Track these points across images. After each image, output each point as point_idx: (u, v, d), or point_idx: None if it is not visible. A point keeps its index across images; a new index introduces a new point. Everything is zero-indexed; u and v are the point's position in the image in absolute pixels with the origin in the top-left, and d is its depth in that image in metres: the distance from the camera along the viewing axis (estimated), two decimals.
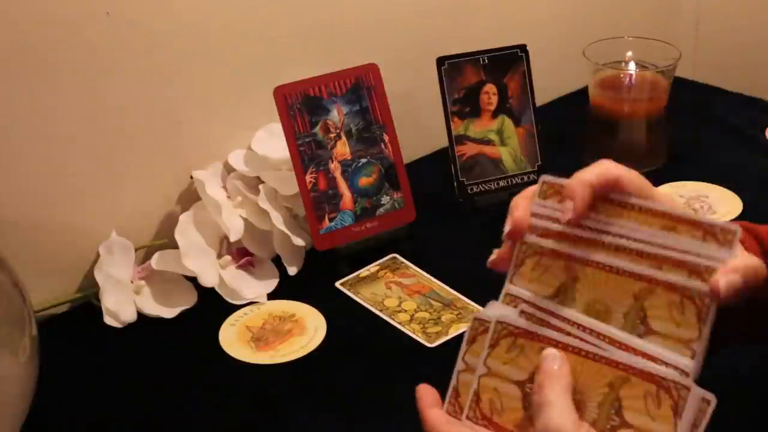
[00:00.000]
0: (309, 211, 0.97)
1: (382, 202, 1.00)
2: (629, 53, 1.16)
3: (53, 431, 0.80)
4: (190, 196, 1.01)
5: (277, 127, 0.99)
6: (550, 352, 0.58)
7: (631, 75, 1.14)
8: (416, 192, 1.02)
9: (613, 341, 0.59)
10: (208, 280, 0.93)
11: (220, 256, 0.97)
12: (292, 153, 0.96)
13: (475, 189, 1.07)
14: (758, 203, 1.07)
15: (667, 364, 0.58)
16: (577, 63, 1.14)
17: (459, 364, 0.63)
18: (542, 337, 0.60)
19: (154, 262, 0.94)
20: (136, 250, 0.96)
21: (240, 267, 0.97)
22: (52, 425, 0.80)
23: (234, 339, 0.90)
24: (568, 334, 0.60)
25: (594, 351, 0.58)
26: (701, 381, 0.60)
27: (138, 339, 0.91)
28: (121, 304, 0.92)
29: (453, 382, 0.63)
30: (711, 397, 0.56)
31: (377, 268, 0.99)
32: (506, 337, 0.60)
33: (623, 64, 1.16)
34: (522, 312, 0.61)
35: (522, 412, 0.59)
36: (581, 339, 0.59)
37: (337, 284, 0.96)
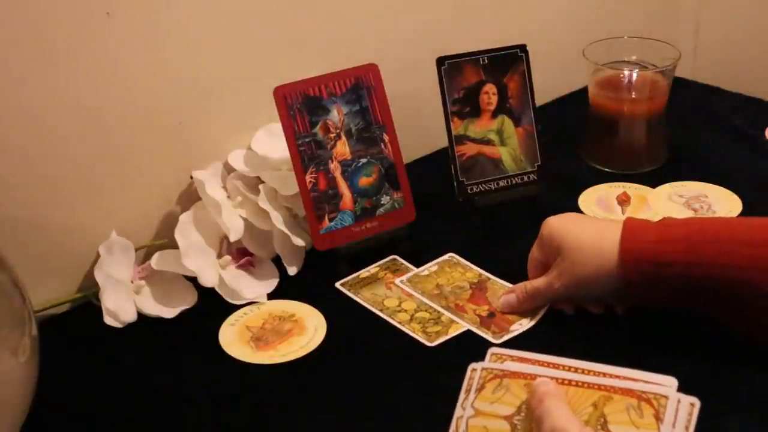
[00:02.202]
0: (309, 211, 0.97)
1: (382, 202, 1.00)
2: (629, 53, 1.16)
3: (53, 431, 0.80)
4: (190, 196, 1.01)
5: (277, 127, 0.99)
6: (542, 378, 0.64)
7: (631, 75, 1.14)
8: (416, 192, 1.02)
9: (590, 371, 0.64)
10: (208, 280, 0.93)
11: (220, 256, 0.97)
12: (292, 153, 0.96)
13: (474, 189, 1.07)
14: (758, 203, 1.07)
15: (646, 382, 0.62)
16: (577, 63, 1.14)
17: (457, 411, 0.66)
18: (526, 374, 0.64)
19: (154, 262, 0.94)
20: (136, 250, 0.96)
21: (240, 267, 0.97)
22: (52, 425, 0.80)
23: (234, 339, 0.90)
24: (549, 366, 0.65)
25: (576, 379, 0.63)
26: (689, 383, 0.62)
27: (138, 339, 0.91)
28: (121, 304, 0.92)
29: (452, 428, 0.66)
30: (695, 400, 0.60)
31: (377, 269, 0.99)
32: (492, 380, 0.65)
33: (623, 64, 1.16)
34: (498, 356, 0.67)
35: None
36: (562, 369, 0.64)
37: (337, 285, 0.97)
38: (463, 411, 0.65)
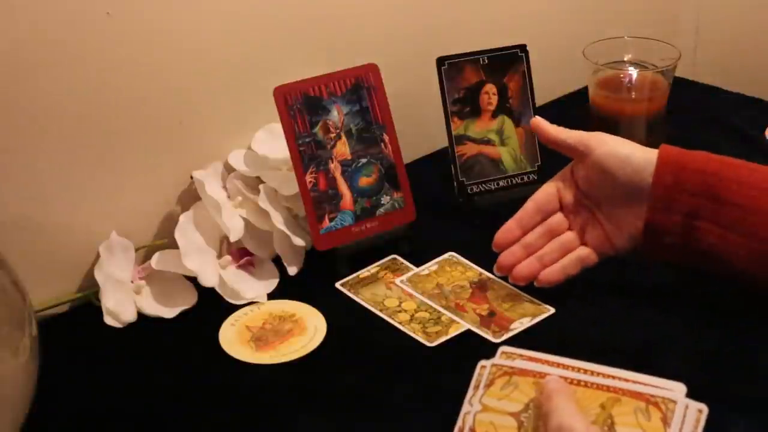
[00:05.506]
0: (309, 211, 0.97)
1: (382, 202, 1.00)
2: (629, 53, 1.16)
3: (53, 431, 0.80)
4: (190, 196, 1.01)
5: (277, 127, 0.99)
6: (552, 376, 0.64)
7: (631, 75, 1.14)
8: (416, 192, 1.02)
9: (599, 373, 0.64)
10: (208, 280, 0.93)
11: (220, 256, 0.97)
12: (292, 153, 0.96)
13: (475, 189, 1.07)
14: None
15: (655, 387, 0.62)
16: (577, 63, 1.14)
17: (465, 407, 0.67)
18: (536, 372, 0.65)
19: (154, 262, 0.94)
20: (136, 250, 0.96)
21: (240, 267, 0.97)
22: (52, 425, 0.80)
23: (234, 339, 0.90)
24: (559, 367, 0.66)
25: (585, 379, 0.64)
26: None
27: (138, 339, 0.91)
28: (121, 304, 0.92)
29: (459, 424, 0.66)
30: (703, 407, 0.61)
31: (377, 269, 0.99)
32: (501, 377, 0.66)
33: (623, 64, 1.16)
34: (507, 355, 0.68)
35: None
36: (572, 370, 0.65)
37: (337, 285, 0.97)
38: (470, 407, 0.65)
